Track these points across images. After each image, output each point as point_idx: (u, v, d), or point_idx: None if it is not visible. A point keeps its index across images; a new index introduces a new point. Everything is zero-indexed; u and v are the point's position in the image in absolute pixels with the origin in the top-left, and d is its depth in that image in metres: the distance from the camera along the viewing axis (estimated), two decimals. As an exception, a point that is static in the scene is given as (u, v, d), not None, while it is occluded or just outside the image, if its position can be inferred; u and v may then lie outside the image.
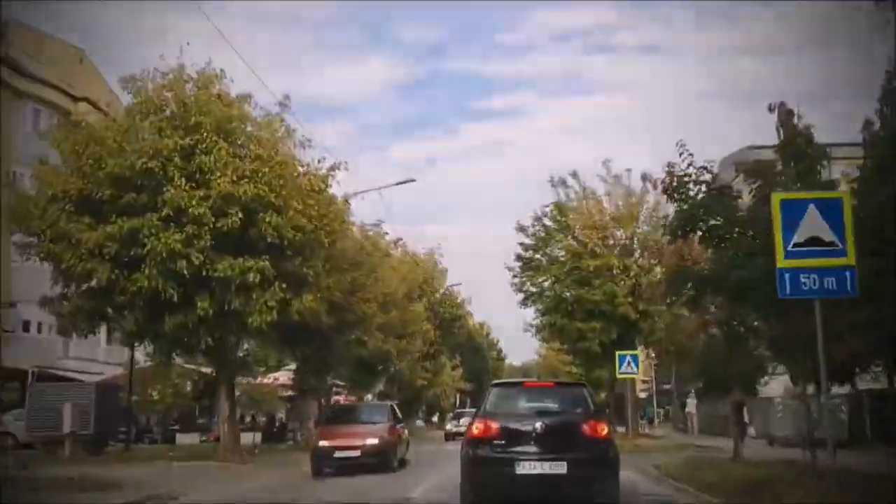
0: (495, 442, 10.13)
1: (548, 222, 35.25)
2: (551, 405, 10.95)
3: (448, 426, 42.32)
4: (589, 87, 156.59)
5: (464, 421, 33.83)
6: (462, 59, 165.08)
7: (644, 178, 33.89)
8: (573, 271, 33.56)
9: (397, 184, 31.88)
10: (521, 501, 10.21)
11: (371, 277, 28.88)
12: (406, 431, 21.64)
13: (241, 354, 25.85)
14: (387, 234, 38.93)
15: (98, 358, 39.65)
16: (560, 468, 9.75)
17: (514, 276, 35.75)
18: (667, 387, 69.38)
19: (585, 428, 10.12)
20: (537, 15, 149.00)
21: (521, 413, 10.69)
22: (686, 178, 12.65)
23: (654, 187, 29.02)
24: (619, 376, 27.40)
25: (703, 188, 12.89)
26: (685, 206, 12.67)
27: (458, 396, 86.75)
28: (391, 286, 35.99)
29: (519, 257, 35.76)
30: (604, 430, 10.19)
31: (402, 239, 44.84)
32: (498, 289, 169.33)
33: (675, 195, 12.64)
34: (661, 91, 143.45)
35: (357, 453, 17.31)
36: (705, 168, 13.05)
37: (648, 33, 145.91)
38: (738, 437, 28.38)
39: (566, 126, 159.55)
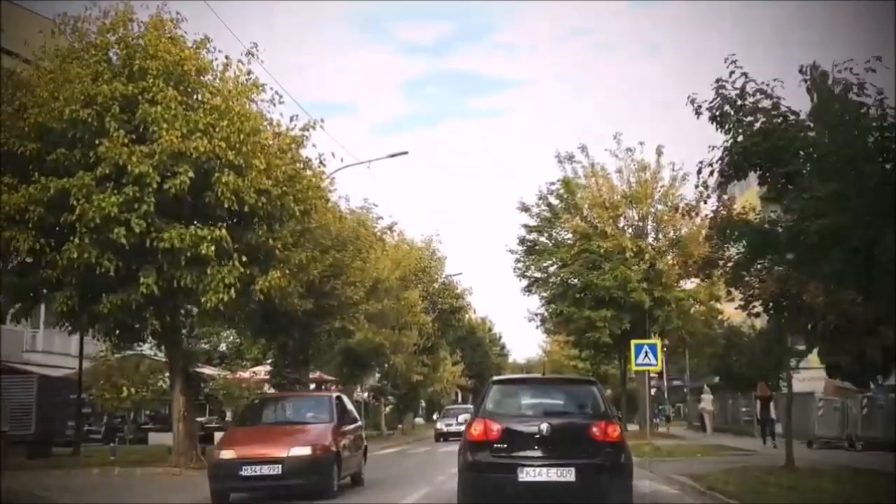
0: (496, 445, 9.16)
1: (553, 201, 32.27)
2: (558, 404, 10.06)
3: (439, 424, 37.64)
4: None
5: (461, 418, 30.83)
6: (462, 57, 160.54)
7: (659, 151, 31.03)
8: (581, 254, 30.59)
9: (389, 156, 28.83)
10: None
11: (357, 259, 25.87)
12: (362, 434, 15.83)
13: (205, 343, 22.87)
14: (380, 218, 35.99)
15: (72, 351, 36.75)
16: (568, 475, 8.82)
17: (517, 261, 32.84)
18: (676, 382, 66.50)
19: (596, 430, 9.14)
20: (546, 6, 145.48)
21: (525, 413, 9.82)
22: (740, 100, 9.61)
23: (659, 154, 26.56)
24: (635, 368, 24.34)
25: (761, 117, 9.82)
26: (740, 139, 9.61)
27: (458, 393, 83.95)
28: (382, 272, 33.03)
29: (522, 240, 32.81)
30: (615, 432, 9.20)
31: (396, 223, 41.76)
32: (502, 285, 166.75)
33: (728, 122, 9.58)
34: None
35: (277, 470, 11.67)
36: (763, 92, 10.00)
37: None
38: (767, 435, 25.63)
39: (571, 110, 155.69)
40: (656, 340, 24.28)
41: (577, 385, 11.28)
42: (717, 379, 42.10)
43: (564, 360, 65.05)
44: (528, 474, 8.82)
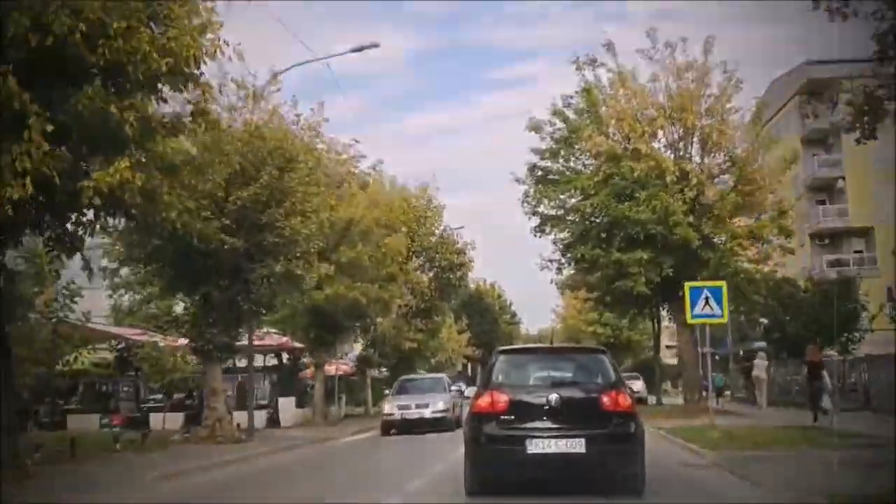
0: (503, 417, 8.83)
1: (572, 116, 25.30)
2: (567, 374, 9.70)
3: (387, 408, 24.60)
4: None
5: (428, 399, 23.43)
6: (474, 28, 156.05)
7: (707, 45, 23.95)
8: (608, 181, 23.68)
9: (354, 50, 21.91)
10: (533, 484, 9.08)
11: (311, 185, 19.17)
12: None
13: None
14: (363, 156, 29.26)
15: None
16: (578, 446, 8.54)
17: (526, 195, 25.96)
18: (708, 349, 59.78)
19: (606, 400, 8.80)
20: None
21: (533, 383, 9.42)
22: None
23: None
24: (691, 321, 17.59)
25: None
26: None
27: (468, 364, 77.10)
28: (356, 210, 26.35)
29: (532, 168, 25.90)
30: (626, 401, 8.92)
31: (382, 162, 34.95)
32: (513, 250, 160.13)
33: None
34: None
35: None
36: None
37: None
38: (818, 409, 19.41)
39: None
40: (721, 283, 17.44)
41: (586, 354, 10.76)
42: (764, 343, 35.45)
43: (582, 325, 58.26)
44: (537, 446, 8.58)
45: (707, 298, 16.77)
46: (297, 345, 28.76)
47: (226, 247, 16.78)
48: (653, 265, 23.06)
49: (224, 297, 18.00)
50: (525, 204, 25.48)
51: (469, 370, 78.71)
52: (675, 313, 25.05)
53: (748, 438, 14.48)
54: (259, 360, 27.11)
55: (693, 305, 16.82)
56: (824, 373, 20.76)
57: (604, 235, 24.00)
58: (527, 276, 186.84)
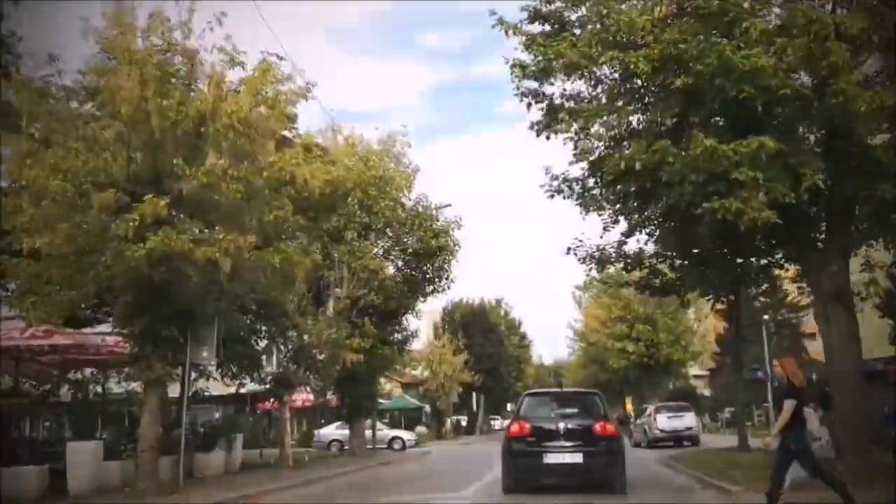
0: (528, 439, 13.54)
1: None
2: (572, 410, 14.22)
3: None
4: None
5: None
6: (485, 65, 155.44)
7: None
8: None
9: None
10: (548, 485, 13.77)
11: None
12: None
13: None
14: (289, 77, 17.24)
15: None
16: (578, 458, 13.14)
17: (522, 67, 13.91)
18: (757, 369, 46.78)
19: (597, 427, 13.42)
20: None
21: (548, 416, 14.03)
22: None
23: None
24: None
25: None
26: None
27: (470, 394, 63.56)
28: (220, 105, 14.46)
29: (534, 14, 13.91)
30: (611, 428, 13.57)
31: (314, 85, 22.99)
32: (528, 281, 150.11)
33: None
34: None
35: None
36: None
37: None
38: None
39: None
40: None
41: (585, 396, 15.95)
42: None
43: (608, 342, 45.75)
44: (550, 458, 13.23)
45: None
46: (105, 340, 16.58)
47: None
48: (782, 169, 11.01)
49: None
50: (516, 76, 13.35)
51: (473, 402, 65.88)
52: (823, 278, 12.88)
53: None
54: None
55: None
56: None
57: (675, 116, 12.01)
58: (546, 302, 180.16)
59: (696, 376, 62.22)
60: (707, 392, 58.58)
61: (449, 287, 30.21)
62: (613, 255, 18.20)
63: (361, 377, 28.34)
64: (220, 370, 20.10)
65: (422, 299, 30.19)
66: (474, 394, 62.82)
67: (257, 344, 21.51)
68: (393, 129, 33.49)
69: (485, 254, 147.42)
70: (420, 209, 29.52)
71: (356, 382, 28.34)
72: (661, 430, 30.75)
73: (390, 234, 29.45)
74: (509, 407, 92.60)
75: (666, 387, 50.13)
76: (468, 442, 47.73)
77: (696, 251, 14.78)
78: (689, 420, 31.04)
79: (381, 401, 63.27)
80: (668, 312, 43.20)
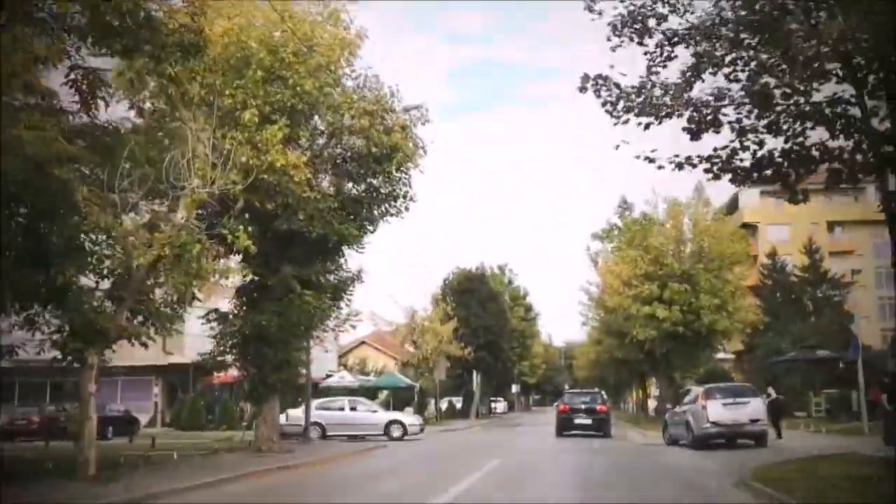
0: (567, 412, 30.82)
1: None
2: (587, 398, 31.91)
3: None
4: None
5: None
6: (507, 47, 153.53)
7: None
8: None
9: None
10: (577, 432, 29.59)
11: None
12: None
13: None
14: None
15: None
16: (589, 421, 30.08)
17: None
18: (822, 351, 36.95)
19: (599, 407, 30.86)
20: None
21: (576, 400, 31.80)
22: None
23: None
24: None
25: None
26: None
27: (471, 374, 53.24)
28: None
29: None
30: (606, 407, 31.91)
31: None
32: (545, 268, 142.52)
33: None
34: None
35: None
36: None
37: None
38: None
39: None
40: None
41: (593, 391, 34.92)
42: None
43: (632, 308, 35.52)
44: (578, 419, 30.29)
45: None
46: None
47: None
48: None
49: None
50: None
51: (474, 383, 55.81)
52: None
53: None
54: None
55: None
56: None
57: None
58: (560, 287, 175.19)
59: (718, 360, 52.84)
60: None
61: (407, 208, 20.71)
62: (669, 101, 9.20)
63: (272, 339, 19.02)
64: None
65: (369, 228, 20.66)
66: (474, 373, 53.33)
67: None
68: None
69: (498, 229, 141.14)
70: (367, 93, 19.99)
71: (265, 346, 19.05)
72: (715, 424, 21.27)
73: (321, 129, 19.98)
74: (514, 389, 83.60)
75: (703, 364, 40.72)
76: (455, 428, 38.31)
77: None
78: (754, 409, 21.51)
79: (368, 378, 54.16)
80: (712, 269, 33.49)
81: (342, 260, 20.68)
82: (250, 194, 15.99)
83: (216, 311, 20.19)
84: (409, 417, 31.25)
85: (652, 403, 56.32)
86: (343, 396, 31.82)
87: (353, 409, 29.13)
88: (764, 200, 64.13)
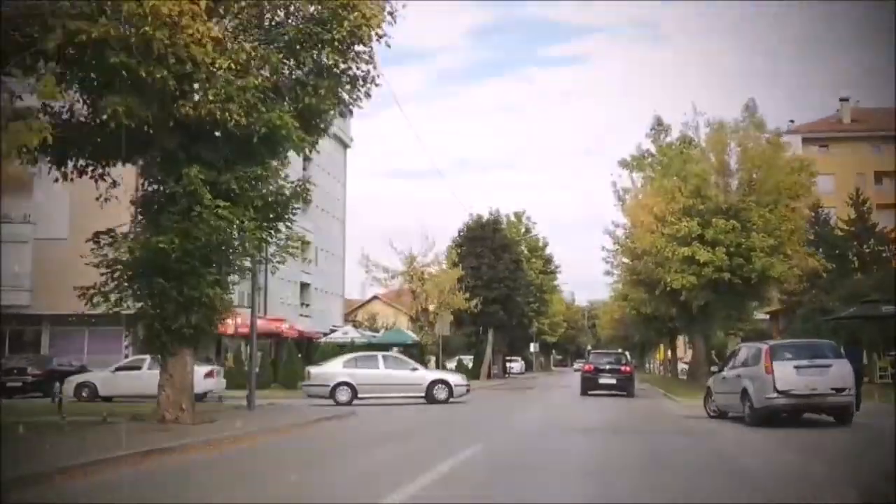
0: (592, 372, 30.75)
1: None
2: (611, 358, 32.14)
3: None
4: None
5: None
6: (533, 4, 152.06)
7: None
8: None
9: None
10: (601, 392, 29.78)
11: None
12: None
13: None
14: None
15: None
16: (614, 380, 30.00)
17: None
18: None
19: (623, 368, 30.72)
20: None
21: (601, 360, 31.77)
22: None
23: None
24: None
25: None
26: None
27: (486, 332, 47.73)
28: None
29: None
30: (630, 368, 31.57)
31: None
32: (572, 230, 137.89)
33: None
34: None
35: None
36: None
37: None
38: None
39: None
40: None
41: (618, 352, 35.76)
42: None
43: (667, 249, 29.54)
44: (602, 379, 30.16)
45: None
46: None
47: None
48: None
49: None
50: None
51: (490, 341, 50.13)
52: None
53: None
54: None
55: None
56: None
57: None
58: (585, 250, 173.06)
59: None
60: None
61: (368, 94, 15.07)
62: None
63: (173, 268, 13.67)
64: None
65: (317, 122, 15.09)
66: (490, 331, 48.00)
67: None
68: None
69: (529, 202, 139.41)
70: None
71: (165, 278, 13.71)
72: (784, 393, 15.62)
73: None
74: (532, 348, 78.52)
75: (749, 320, 35.09)
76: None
77: None
78: (839, 374, 15.78)
79: (375, 334, 49.10)
80: (766, 203, 27.47)
81: (277, 164, 15.16)
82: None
83: (110, 231, 14.87)
84: (454, 376, 26.23)
85: (681, 366, 51.08)
86: (376, 352, 26.94)
87: (389, 367, 24.16)
88: (807, 149, 58.30)
